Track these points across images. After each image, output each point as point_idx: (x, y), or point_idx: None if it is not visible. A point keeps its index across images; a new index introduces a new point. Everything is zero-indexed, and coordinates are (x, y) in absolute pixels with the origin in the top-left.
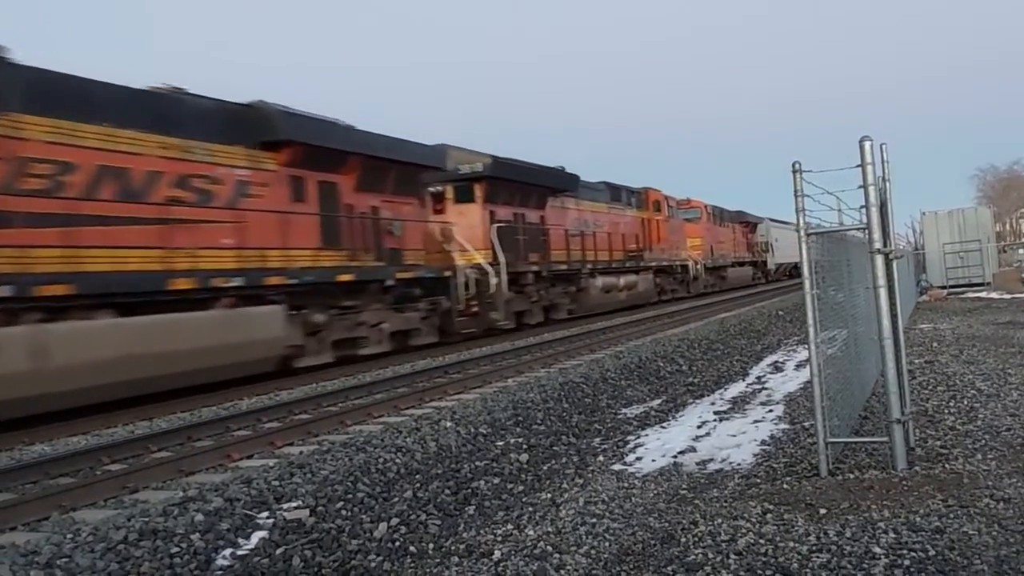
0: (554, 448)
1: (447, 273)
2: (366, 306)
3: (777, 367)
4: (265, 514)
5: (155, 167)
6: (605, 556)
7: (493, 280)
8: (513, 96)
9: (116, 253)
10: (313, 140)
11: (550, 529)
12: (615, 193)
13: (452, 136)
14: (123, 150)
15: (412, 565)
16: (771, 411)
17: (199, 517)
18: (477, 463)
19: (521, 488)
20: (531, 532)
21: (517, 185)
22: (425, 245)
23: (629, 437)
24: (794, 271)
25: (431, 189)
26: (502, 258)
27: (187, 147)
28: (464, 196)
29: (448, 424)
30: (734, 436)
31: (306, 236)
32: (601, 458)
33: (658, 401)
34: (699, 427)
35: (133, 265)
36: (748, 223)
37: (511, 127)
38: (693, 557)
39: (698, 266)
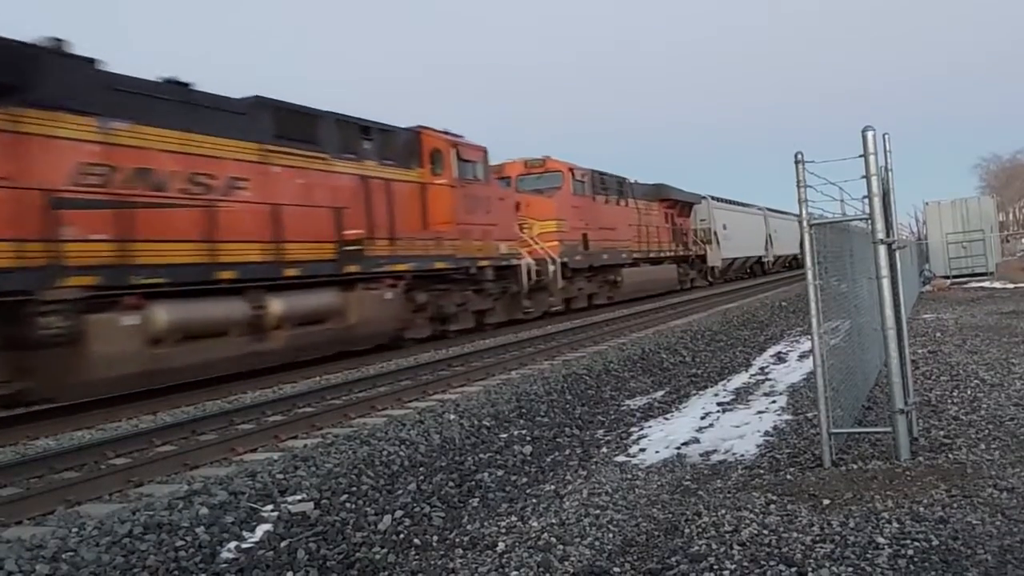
0: (558, 440)
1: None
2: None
3: (780, 358)
4: (270, 507)
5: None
6: (609, 547)
7: (551, 268)
8: (506, 93)
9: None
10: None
11: (554, 521)
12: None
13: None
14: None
15: (417, 557)
16: (774, 402)
17: (204, 510)
18: (481, 455)
19: (525, 480)
20: (535, 524)
21: None
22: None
23: (632, 428)
24: (756, 267)
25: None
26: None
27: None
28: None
29: (452, 416)
30: (737, 427)
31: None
32: (604, 450)
33: (661, 392)
34: (702, 418)
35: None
36: (675, 203)
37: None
38: (697, 548)
39: (551, 266)
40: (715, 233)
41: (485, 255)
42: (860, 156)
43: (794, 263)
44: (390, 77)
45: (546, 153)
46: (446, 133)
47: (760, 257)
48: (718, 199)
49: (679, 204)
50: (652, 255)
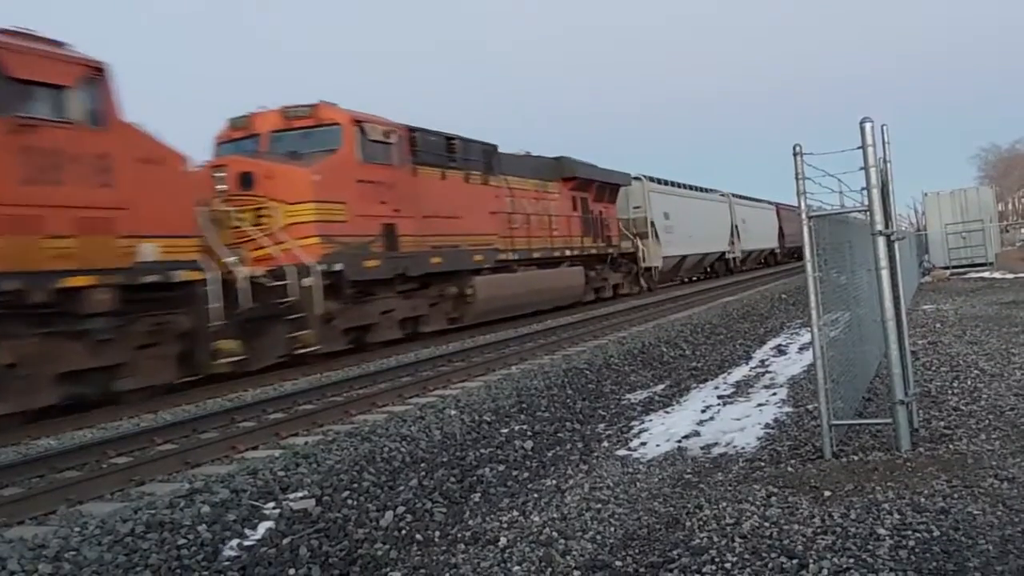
0: (558, 435)
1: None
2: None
3: (780, 350)
4: (271, 505)
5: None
6: (611, 541)
7: (305, 282)
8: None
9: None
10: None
11: (555, 515)
12: None
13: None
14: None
15: (419, 553)
16: (775, 394)
17: (205, 509)
18: (482, 451)
19: (526, 475)
20: (537, 518)
21: None
22: None
23: (633, 422)
24: (719, 265)
25: None
26: None
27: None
28: None
29: (452, 412)
30: (738, 420)
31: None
32: (605, 444)
33: (662, 386)
34: (703, 411)
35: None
36: (587, 183)
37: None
38: (698, 541)
39: (302, 279)
40: (652, 224)
41: (88, 264)
42: (858, 148)
43: (771, 259)
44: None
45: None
46: None
47: (723, 253)
48: (657, 180)
49: (595, 186)
50: (540, 255)
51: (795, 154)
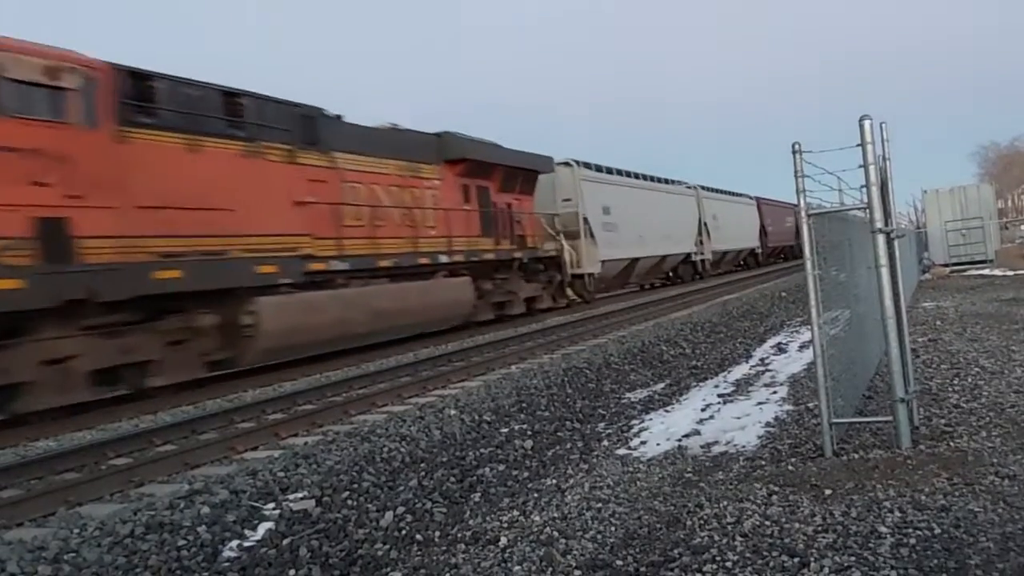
0: (558, 434)
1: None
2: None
3: (780, 348)
4: (271, 505)
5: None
6: (611, 541)
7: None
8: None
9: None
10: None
11: (556, 515)
12: None
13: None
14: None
15: (419, 553)
16: (775, 392)
17: (205, 510)
18: (482, 450)
19: (526, 474)
20: (537, 518)
21: None
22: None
23: (633, 421)
24: (685, 269)
25: None
26: None
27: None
28: None
29: (452, 412)
30: (738, 418)
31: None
32: (606, 443)
33: (662, 385)
34: (703, 410)
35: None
36: (487, 168)
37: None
38: (699, 540)
39: None
40: (585, 220)
41: None
42: (858, 145)
43: (751, 261)
44: None
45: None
46: None
47: (689, 255)
48: (594, 167)
49: (500, 172)
50: (395, 263)
51: (794, 152)
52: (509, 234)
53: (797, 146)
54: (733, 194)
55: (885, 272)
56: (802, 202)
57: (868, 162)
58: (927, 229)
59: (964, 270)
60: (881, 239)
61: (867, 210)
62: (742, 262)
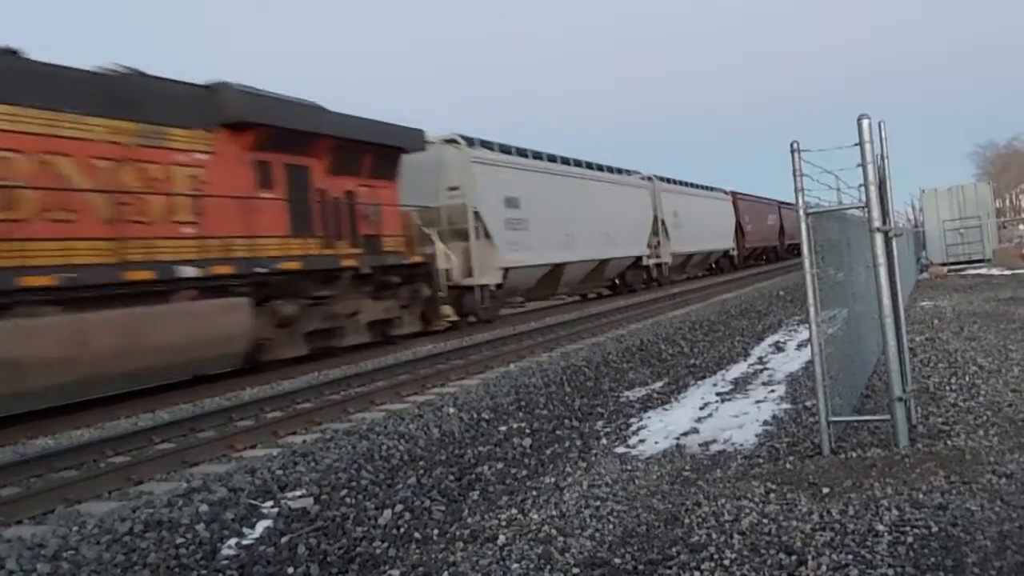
0: (557, 432)
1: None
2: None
3: (778, 347)
4: (270, 503)
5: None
6: (609, 539)
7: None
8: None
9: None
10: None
11: (554, 513)
12: None
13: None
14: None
15: (417, 551)
16: (773, 391)
17: (204, 507)
18: (480, 448)
19: (525, 472)
20: (535, 516)
21: None
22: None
23: (632, 420)
24: (634, 276)
25: None
26: None
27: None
28: None
29: (451, 410)
30: (736, 417)
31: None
32: (604, 441)
33: (660, 383)
34: (701, 408)
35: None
36: (316, 141)
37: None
38: (697, 538)
39: None
40: (477, 215)
41: None
42: (856, 144)
43: (725, 263)
44: None
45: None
46: None
47: (639, 259)
48: (496, 146)
49: (332, 147)
50: (86, 277)
51: (793, 151)
52: (349, 234)
53: (795, 145)
54: (701, 187)
55: (883, 271)
56: (800, 201)
57: (866, 161)
58: (925, 228)
59: (962, 269)
60: (879, 238)
61: (865, 209)
62: (713, 265)
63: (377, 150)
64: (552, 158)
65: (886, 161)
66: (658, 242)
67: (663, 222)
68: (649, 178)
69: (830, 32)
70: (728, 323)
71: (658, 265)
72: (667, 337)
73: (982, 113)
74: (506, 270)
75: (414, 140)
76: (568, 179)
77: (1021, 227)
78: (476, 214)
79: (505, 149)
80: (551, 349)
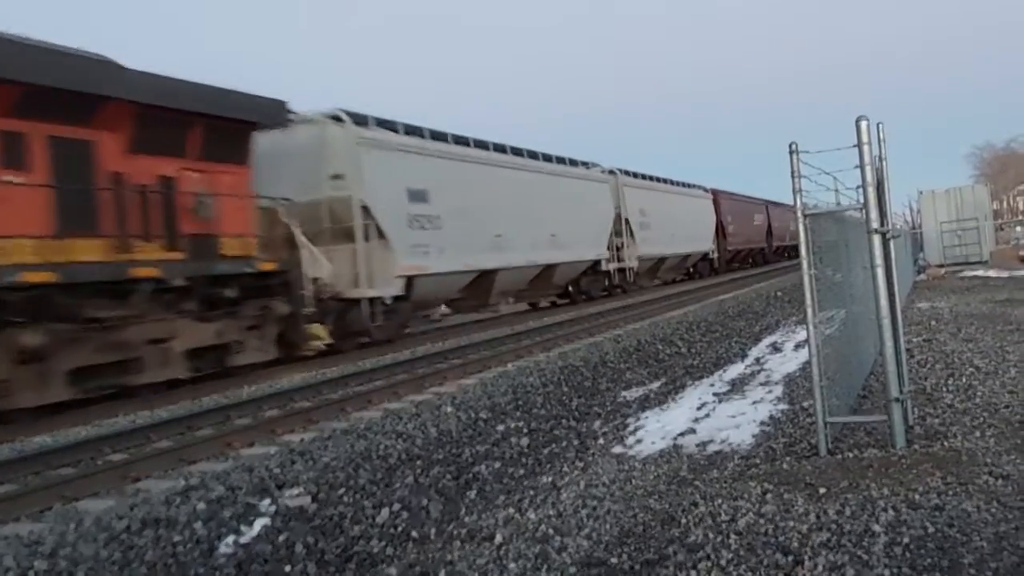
0: (554, 432)
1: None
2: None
3: (776, 348)
4: (267, 501)
5: None
6: (606, 538)
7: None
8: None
9: None
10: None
11: (551, 512)
12: None
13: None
14: None
15: (414, 550)
16: (770, 392)
17: (201, 506)
18: (478, 448)
19: (522, 472)
20: (532, 515)
21: None
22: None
23: (629, 420)
24: (591, 284)
25: None
26: None
27: None
28: None
29: (448, 409)
30: (733, 417)
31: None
32: (601, 441)
33: (657, 384)
34: (699, 409)
35: None
36: (95, 104)
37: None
38: (694, 538)
39: None
40: (366, 210)
41: None
42: (854, 146)
43: (704, 268)
44: None
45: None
46: None
47: (597, 263)
48: (401, 127)
49: (131, 113)
50: None
51: (791, 152)
52: (162, 233)
53: (794, 146)
54: (676, 183)
55: (881, 272)
56: (798, 202)
57: (864, 162)
58: (923, 230)
59: (959, 271)
60: (877, 239)
61: (863, 210)
62: (691, 270)
63: (213, 124)
64: (482, 144)
65: (884, 162)
66: (622, 244)
67: (627, 221)
68: (611, 171)
69: (829, 33)
70: (726, 324)
71: (621, 270)
72: (664, 337)
73: (981, 115)
74: (409, 279)
75: (272, 113)
76: (499, 170)
77: (1018, 229)
78: (365, 209)
79: (414, 131)
80: (548, 349)
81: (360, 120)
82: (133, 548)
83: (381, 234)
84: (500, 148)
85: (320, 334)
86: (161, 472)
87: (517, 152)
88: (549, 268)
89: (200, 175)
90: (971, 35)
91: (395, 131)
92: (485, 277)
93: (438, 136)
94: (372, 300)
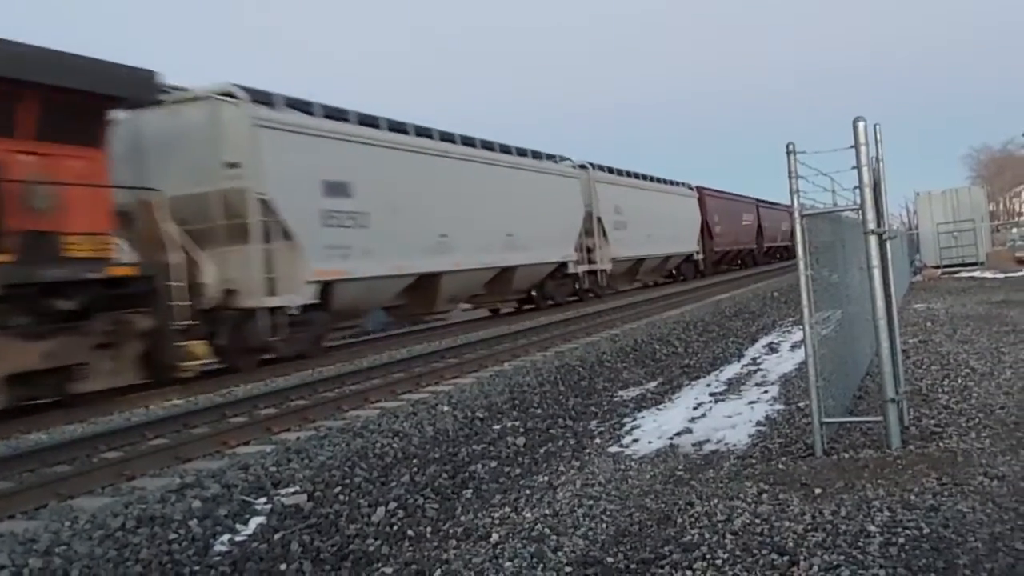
0: (551, 431)
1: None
2: None
3: (772, 348)
4: (263, 500)
5: None
6: (602, 538)
7: None
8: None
9: None
10: None
11: (547, 512)
12: None
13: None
14: None
15: (410, 549)
16: (766, 392)
17: (197, 503)
18: (474, 447)
19: (518, 471)
20: (529, 515)
21: None
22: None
23: (625, 419)
24: (556, 285)
25: None
26: None
27: None
28: None
29: (445, 408)
30: (730, 417)
31: None
32: (598, 440)
33: (654, 383)
34: (695, 408)
35: None
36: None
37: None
38: (689, 537)
39: None
40: (266, 204)
41: None
42: (851, 147)
43: (688, 270)
44: None
45: None
46: None
47: (563, 265)
48: (319, 108)
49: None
50: None
51: (788, 153)
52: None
53: (791, 147)
54: (656, 180)
55: (877, 273)
56: (796, 203)
57: (861, 163)
58: (919, 231)
59: (955, 272)
60: (873, 240)
61: (860, 211)
62: (675, 270)
63: (53, 96)
64: (425, 132)
65: (881, 164)
66: (593, 245)
67: (600, 220)
68: (582, 166)
69: (827, 33)
70: (722, 324)
71: (592, 272)
72: (661, 337)
73: (977, 117)
74: (325, 284)
75: (136, 86)
76: (445, 160)
77: (1014, 231)
78: (265, 204)
79: (336, 114)
80: (545, 348)
81: (262, 98)
82: (128, 546)
83: (287, 233)
84: (448, 137)
85: (200, 352)
86: (156, 470)
87: (468, 142)
88: (507, 271)
89: (35, 158)
90: (969, 37)
91: (308, 112)
92: (428, 281)
93: (368, 121)
94: (273, 310)
